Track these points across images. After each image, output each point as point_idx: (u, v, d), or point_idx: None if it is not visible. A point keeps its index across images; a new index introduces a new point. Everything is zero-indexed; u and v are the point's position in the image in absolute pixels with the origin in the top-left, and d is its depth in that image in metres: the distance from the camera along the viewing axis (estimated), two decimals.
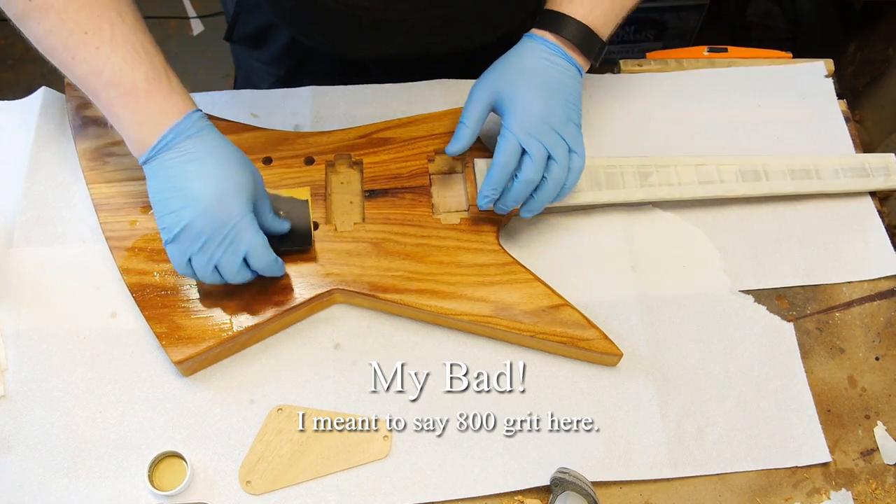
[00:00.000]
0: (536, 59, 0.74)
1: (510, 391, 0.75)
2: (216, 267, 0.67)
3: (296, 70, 0.97)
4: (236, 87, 1.09)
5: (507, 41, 0.91)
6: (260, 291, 0.74)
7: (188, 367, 0.73)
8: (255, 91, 0.91)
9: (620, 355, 0.75)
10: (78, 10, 0.64)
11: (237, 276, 0.68)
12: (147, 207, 0.77)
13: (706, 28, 1.77)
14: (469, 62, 0.91)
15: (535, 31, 0.76)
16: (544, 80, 0.74)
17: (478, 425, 0.74)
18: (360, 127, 0.83)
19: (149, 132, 0.65)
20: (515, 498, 0.72)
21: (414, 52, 0.85)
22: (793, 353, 0.79)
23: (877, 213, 0.87)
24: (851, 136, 0.92)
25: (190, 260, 0.67)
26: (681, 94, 0.92)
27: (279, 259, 0.70)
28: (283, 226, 0.72)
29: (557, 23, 0.74)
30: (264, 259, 0.68)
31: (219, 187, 0.65)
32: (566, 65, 0.75)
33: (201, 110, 0.68)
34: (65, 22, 0.64)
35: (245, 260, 0.68)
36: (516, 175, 0.73)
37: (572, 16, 0.74)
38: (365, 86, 0.91)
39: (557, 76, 0.74)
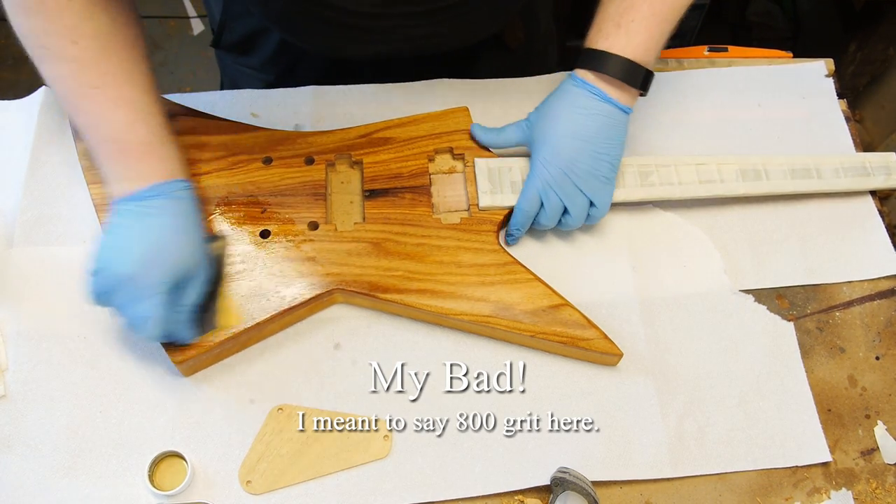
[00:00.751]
0: (572, 108, 0.76)
1: (510, 391, 0.75)
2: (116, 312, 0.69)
3: (286, 74, 0.97)
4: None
5: (499, 37, 0.92)
6: (261, 290, 0.74)
7: (188, 367, 0.73)
8: (256, 91, 0.91)
9: (621, 355, 0.75)
10: (91, 65, 0.66)
11: (127, 328, 0.69)
12: None
13: (706, 28, 1.77)
14: (463, 59, 0.91)
15: (577, 71, 0.77)
16: (575, 130, 0.76)
17: (478, 425, 0.74)
18: (360, 127, 0.83)
19: (129, 186, 0.68)
20: (516, 498, 0.72)
21: (407, 52, 0.86)
22: (793, 353, 0.79)
23: (877, 213, 0.87)
24: (852, 135, 0.92)
25: (101, 296, 0.68)
26: (681, 93, 0.92)
27: (157, 338, 0.69)
28: (182, 319, 0.70)
29: (598, 61, 0.75)
30: (142, 332, 0.68)
31: (150, 251, 0.67)
32: (606, 110, 0.76)
33: (188, 182, 0.71)
34: (76, 74, 0.67)
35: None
36: (536, 217, 0.78)
37: (611, 51, 0.74)
38: (365, 85, 0.91)
39: (592, 125, 0.75)
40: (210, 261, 0.72)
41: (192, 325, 0.70)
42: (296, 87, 0.91)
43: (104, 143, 0.69)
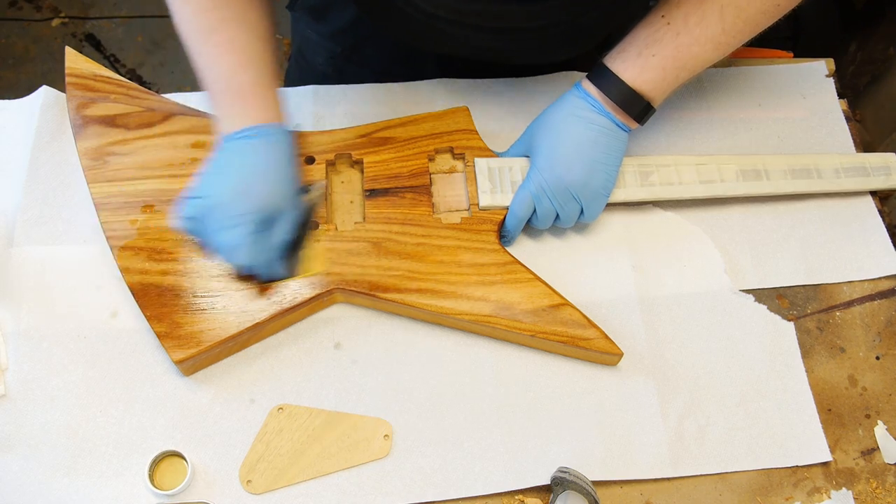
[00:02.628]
0: (572, 117, 0.76)
1: (510, 390, 0.75)
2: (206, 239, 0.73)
3: (352, 50, 0.98)
4: (290, 60, 1.09)
5: (573, 60, 0.92)
6: (260, 291, 0.74)
7: (189, 366, 0.73)
8: None
9: (621, 355, 0.75)
10: (211, 9, 0.71)
11: (217, 256, 0.73)
12: (148, 206, 0.77)
13: None
14: (535, 73, 0.91)
15: (583, 82, 0.78)
16: (574, 139, 0.76)
17: (478, 424, 0.74)
18: (360, 126, 0.83)
19: (232, 125, 0.72)
20: (516, 497, 0.72)
21: (478, 58, 0.86)
22: (793, 353, 0.79)
23: (877, 213, 0.87)
24: (852, 135, 0.92)
25: (193, 221, 0.72)
26: (681, 93, 0.92)
27: (248, 268, 0.73)
28: (273, 257, 0.73)
29: (605, 80, 0.76)
30: (231, 259, 0.72)
31: (243, 183, 0.70)
32: (605, 123, 0.76)
33: (287, 128, 0.74)
34: (197, 16, 0.72)
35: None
36: (529, 221, 0.79)
37: (620, 76, 0.75)
38: (365, 85, 0.91)
39: (590, 136, 0.76)
40: (301, 206, 0.75)
41: (279, 264, 0.73)
42: (359, 65, 0.92)
43: (214, 83, 0.72)
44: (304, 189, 0.77)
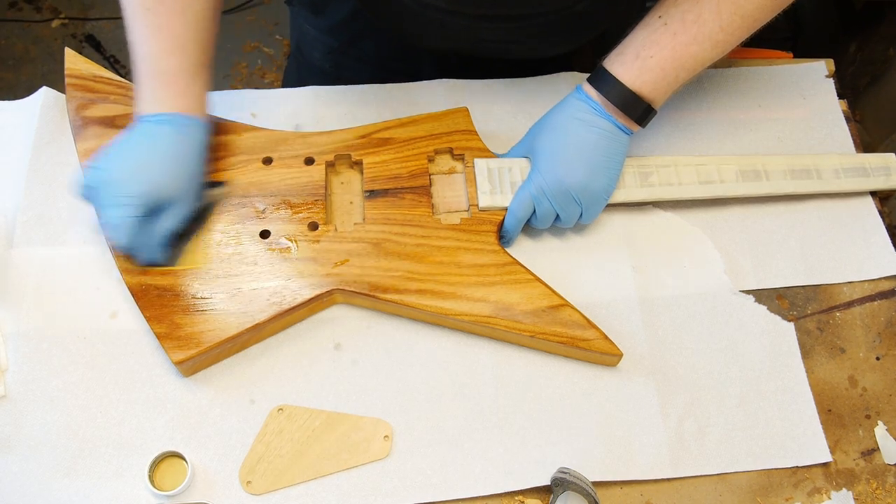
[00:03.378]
0: (574, 119, 0.76)
1: (510, 391, 0.75)
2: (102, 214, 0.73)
3: (350, 45, 0.98)
4: (290, 57, 1.09)
5: (570, 56, 0.92)
6: (261, 291, 0.74)
7: (188, 367, 0.73)
8: (256, 91, 0.91)
9: (620, 355, 0.75)
10: None
11: (101, 228, 0.74)
12: None
13: None
14: (531, 71, 0.91)
15: (583, 85, 0.78)
16: (574, 141, 0.76)
17: (478, 425, 0.74)
18: (360, 127, 0.83)
19: (148, 107, 0.73)
20: (516, 498, 0.72)
21: (475, 52, 0.86)
22: (793, 353, 0.79)
23: (877, 213, 0.87)
24: (852, 135, 0.92)
25: (87, 189, 0.73)
26: (681, 93, 0.92)
27: (126, 248, 0.73)
28: (157, 241, 0.74)
29: (604, 82, 0.76)
30: (110, 237, 0.73)
31: (139, 165, 0.72)
32: (606, 126, 0.76)
33: (202, 121, 0.75)
34: None
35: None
36: (528, 221, 0.79)
37: (619, 78, 0.75)
38: (365, 86, 0.91)
39: (591, 138, 0.76)
40: (199, 201, 0.76)
41: (158, 251, 0.74)
42: (357, 59, 0.92)
43: (141, 62, 0.73)
44: (211, 184, 0.78)
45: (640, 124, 0.77)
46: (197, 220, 0.77)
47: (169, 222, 0.73)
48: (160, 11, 0.72)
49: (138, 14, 0.73)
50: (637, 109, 0.76)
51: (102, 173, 0.72)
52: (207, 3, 0.74)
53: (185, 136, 0.73)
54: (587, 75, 0.78)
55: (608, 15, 0.85)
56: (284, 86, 1.13)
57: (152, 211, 0.72)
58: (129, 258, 0.75)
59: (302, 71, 1.04)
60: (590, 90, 0.77)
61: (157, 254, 0.74)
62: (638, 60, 0.74)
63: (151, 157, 0.72)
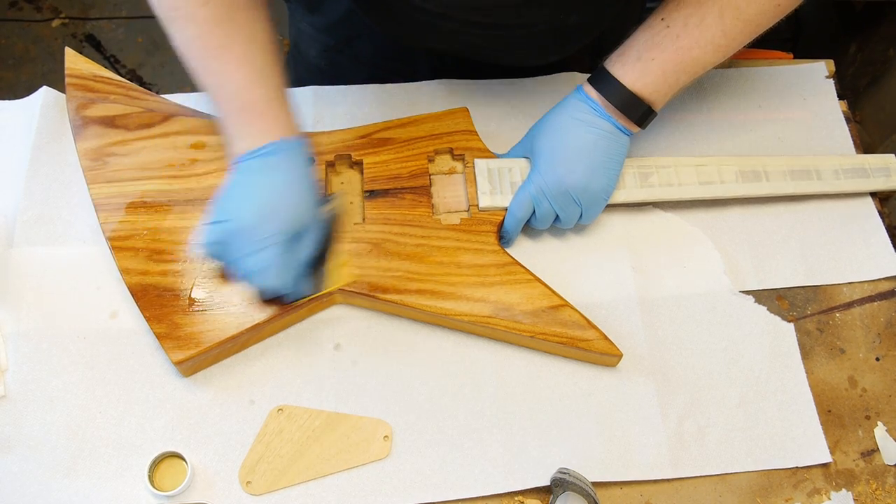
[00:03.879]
0: (574, 120, 0.76)
1: (510, 391, 0.75)
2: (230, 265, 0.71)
3: (346, 43, 0.97)
4: (288, 54, 1.09)
5: (565, 64, 0.92)
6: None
7: (188, 367, 0.73)
8: None
9: (620, 356, 0.75)
10: (217, 25, 0.69)
11: (243, 281, 0.71)
12: (147, 207, 0.77)
13: None
14: (529, 73, 0.91)
15: (584, 85, 0.78)
16: (574, 142, 0.76)
17: (478, 425, 0.74)
18: (360, 127, 0.83)
19: (249, 143, 0.70)
20: (515, 498, 0.72)
21: (469, 56, 0.86)
22: (793, 354, 0.79)
23: (877, 214, 0.87)
24: (852, 136, 0.92)
25: (216, 246, 0.70)
26: (681, 94, 0.92)
27: (270, 293, 0.72)
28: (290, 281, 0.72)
29: (605, 84, 0.76)
30: (262, 282, 0.70)
31: (269, 203, 0.69)
32: (606, 127, 0.76)
33: (304, 140, 0.73)
34: (203, 35, 0.70)
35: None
36: (528, 221, 0.79)
37: (620, 79, 0.75)
38: (365, 86, 0.91)
39: (591, 139, 0.76)
40: (323, 219, 0.74)
41: (308, 280, 0.72)
42: (352, 58, 0.91)
43: (227, 101, 0.71)
44: (324, 199, 0.76)
45: (639, 126, 0.77)
46: (328, 238, 0.75)
47: (309, 249, 0.71)
48: (235, 45, 0.70)
49: (213, 53, 0.70)
50: (637, 111, 0.76)
51: (230, 224, 0.68)
52: (268, 26, 0.73)
53: (296, 160, 0.71)
54: (587, 76, 0.78)
55: (598, 26, 0.85)
56: None
57: (291, 245, 0.69)
58: (278, 299, 0.73)
59: (299, 68, 1.04)
60: (590, 90, 0.77)
61: (304, 285, 0.72)
62: (639, 62, 0.74)
63: (275, 192, 0.69)
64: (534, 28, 0.79)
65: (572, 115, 0.77)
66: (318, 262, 0.73)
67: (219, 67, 0.70)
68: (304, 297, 0.73)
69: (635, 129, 0.77)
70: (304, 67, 1.02)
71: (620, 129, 0.76)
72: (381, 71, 0.92)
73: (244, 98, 0.70)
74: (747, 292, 0.81)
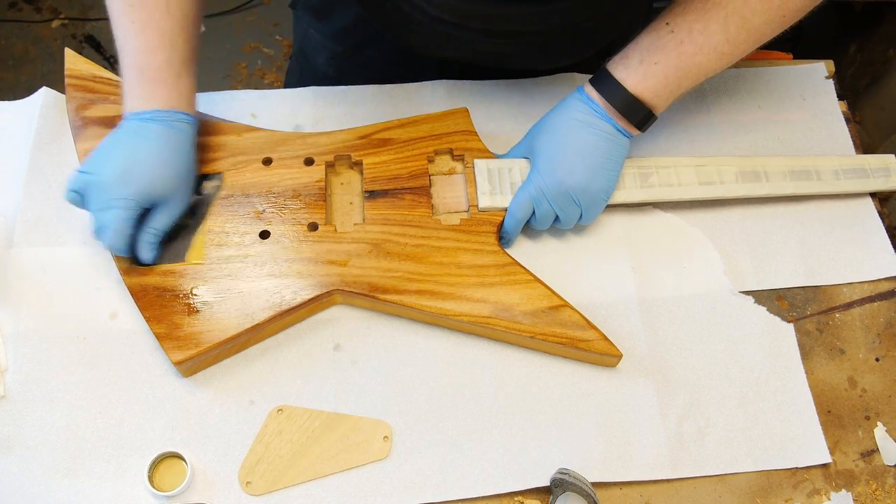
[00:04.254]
0: (574, 121, 0.76)
1: (510, 391, 0.75)
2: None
3: (354, 51, 0.98)
4: (291, 59, 1.10)
5: (572, 68, 0.92)
6: (260, 291, 0.74)
7: (188, 367, 0.73)
8: (255, 91, 0.91)
9: (620, 356, 0.75)
10: None
11: (94, 232, 0.73)
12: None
13: None
14: (530, 77, 0.91)
15: (585, 86, 0.78)
16: (574, 143, 0.76)
17: (478, 425, 0.74)
18: (360, 127, 0.83)
19: (135, 105, 0.73)
20: (515, 499, 0.72)
21: (481, 63, 0.86)
22: (793, 354, 0.79)
23: (877, 214, 0.87)
24: (852, 137, 0.92)
25: (75, 195, 0.73)
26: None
27: (120, 250, 0.73)
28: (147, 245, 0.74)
29: (606, 86, 0.76)
30: (103, 239, 0.72)
31: (129, 167, 0.71)
32: (607, 128, 0.76)
33: (191, 117, 0.75)
34: None
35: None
36: (528, 221, 0.79)
37: (622, 82, 0.75)
38: (365, 86, 0.91)
39: (591, 140, 0.76)
40: (193, 196, 0.77)
41: (153, 249, 0.74)
42: (360, 65, 0.92)
43: (126, 58, 0.73)
44: (203, 178, 0.79)
45: (639, 129, 0.77)
46: (194, 215, 0.77)
47: (161, 221, 0.73)
48: (145, 7, 0.72)
49: (123, 10, 0.72)
50: (638, 114, 0.76)
51: (90, 177, 0.71)
52: (192, 4, 0.74)
53: (174, 132, 0.73)
54: (587, 76, 0.78)
55: (611, 32, 0.85)
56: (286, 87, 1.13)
57: (142, 212, 0.72)
58: (127, 259, 0.75)
59: (305, 75, 1.04)
60: (591, 92, 0.77)
61: (150, 253, 0.74)
62: (642, 66, 0.74)
63: (139, 157, 0.71)
64: (549, 35, 0.79)
65: (573, 115, 0.77)
66: (178, 236, 0.76)
67: (126, 25, 0.73)
68: (148, 265, 0.75)
69: (635, 131, 0.77)
70: (310, 74, 1.03)
71: (620, 131, 0.76)
72: (388, 78, 0.92)
73: (144, 60, 0.72)
74: (747, 293, 0.81)
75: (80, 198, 0.73)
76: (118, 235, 0.71)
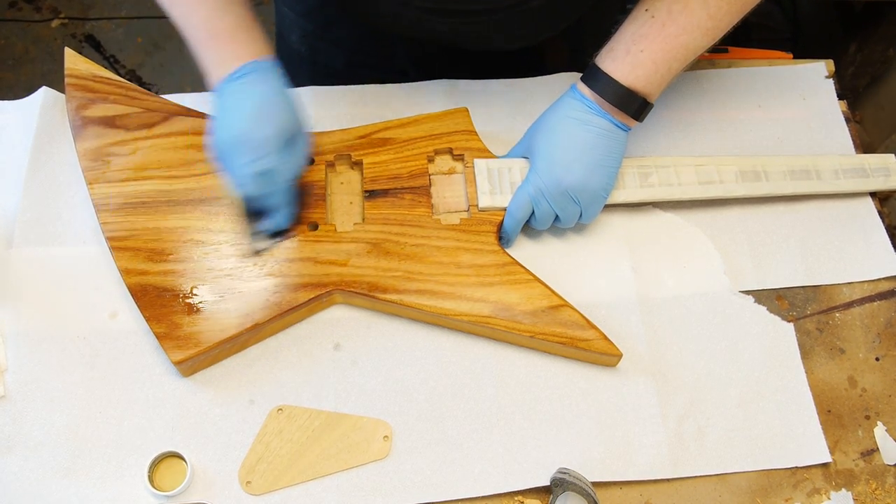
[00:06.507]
0: (570, 119, 0.76)
1: (510, 391, 0.75)
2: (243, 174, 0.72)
3: (324, 28, 0.98)
4: (276, 40, 1.10)
5: (542, 56, 0.92)
6: (260, 291, 0.74)
7: (188, 367, 0.73)
8: None
9: (620, 356, 0.75)
10: None
11: (245, 187, 0.73)
12: (148, 207, 0.78)
13: None
14: (499, 62, 0.90)
15: (577, 84, 0.78)
16: (572, 141, 0.76)
17: (478, 425, 0.74)
18: (360, 127, 0.83)
19: (223, 69, 0.72)
20: (515, 498, 0.72)
21: (435, 42, 0.86)
22: (793, 354, 0.79)
23: (877, 214, 0.87)
24: (852, 136, 0.92)
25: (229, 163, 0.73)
26: (681, 94, 0.92)
27: (282, 191, 0.73)
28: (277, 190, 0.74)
29: (597, 80, 0.76)
30: (267, 187, 0.72)
31: (258, 110, 0.71)
32: (603, 124, 0.76)
33: (275, 60, 0.74)
34: None
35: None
36: (528, 221, 0.79)
37: (612, 75, 0.74)
38: (365, 86, 0.91)
39: (588, 137, 0.76)
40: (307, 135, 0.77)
41: (292, 195, 0.75)
42: (331, 43, 0.92)
43: (196, 30, 0.73)
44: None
45: (637, 119, 0.77)
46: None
47: (305, 149, 0.74)
48: None
49: None
50: (633, 105, 0.75)
51: (228, 134, 0.71)
52: None
53: (271, 77, 0.73)
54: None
55: (569, 11, 0.85)
56: None
57: (288, 147, 0.72)
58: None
59: (282, 55, 1.05)
60: (584, 89, 0.77)
61: (292, 206, 0.75)
62: (629, 56, 0.74)
63: (262, 101, 0.71)
64: (495, 14, 0.79)
65: (568, 114, 0.77)
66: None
67: (184, 2, 0.72)
68: (285, 231, 0.76)
69: (633, 123, 0.77)
70: (286, 53, 1.03)
71: (618, 126, 0.76)
72: (358, 55, 0.92)
73: (212, 26, 0.72)
74: (747, 292, 0.81)
75: (226, 158, 0.72)
76: (283, 171, 0.71)
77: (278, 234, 0.77)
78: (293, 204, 0.76)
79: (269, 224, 0.76)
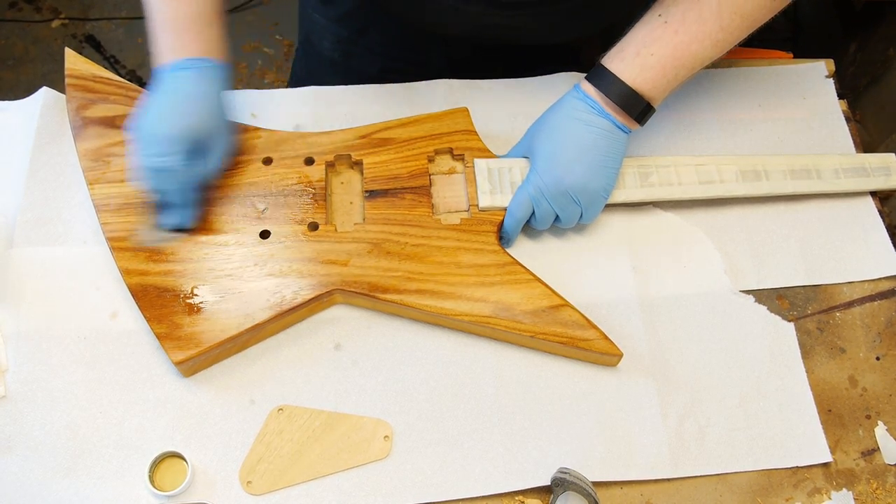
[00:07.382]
0: (572, 119, 0.76)
1: (510, 391, 0.75)
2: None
3: (359, 34, 0.98)
4: (297, 51, 1.10)
5: (576, 55, 0.91)
6: (261, 291, 0.74)
7: (188, 367, 0.73)
8: (255, 91, 0.91)
9: (620, 355, 0.75)
10: None
11: (143, 179, 0.74)
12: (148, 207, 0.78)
13: None
14: (541, 59, 0.90)
15: (582, 83, 0.78)
16: (573, 142, 0.76)
17: (478, 425, 0.74)
18: (360, 127, 0.83)
19: (167, 57, 0.74)
20: (516, 498, 0.72)
21: (485, 39, 0.86)
22: (793, 353, 0.79)
23: (877, 213, 0.87)
24: (852, 136, 0.92)
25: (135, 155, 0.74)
26: (681, 93, 0.92)
27: (175, 191, 0.74)
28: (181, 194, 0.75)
29: (603, 80, 0.76)
30: (161, 184, 0.73)
31: (172, 110, 0.72)
32: (605, 125, 0.76)
33: (222, 63, 0.75)
34: None
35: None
36: (528, 221, 0.79)
37: (619, 76, 0.75)
38: (365, 86, 0.91)
39: (590, 138, 0.76)
40: (231, 142, 0.78)
41: (195, 200, 0.75)
42: (366, 49, 0.92)
43: (154, 13, 0.74)
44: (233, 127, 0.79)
45: (639, 122, 0.77)
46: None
47: (214, 161, 0.75)
48: None
49: None
50: (637, 107, 0.76)
51: (139, 127, 0.73)
52: None
53: (210, 78, 0.74)
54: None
55: (619, 3, 0.84)
56: (292, 78, 1.14)
57: (194, 153, 0.73)
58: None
59: (311, 62, 1.04)
60: (588, 88, 0.77)
61: (193, 207, 0.75)
62: (638, 58, 0.74)
63: (180, 99, 0.72)
64: (553, 5, 0.78)
65: (570, 114, 0.77)
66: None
67: None
68: (186, 227, 0.76)
69: (634, 125, 0.77)
70: (315, 60, 1.03)
71: (619, 127, 0.76)
72: (394, 61, 0.92)
73: (171, 12, 0.73)
74: (747, 292, 0.81)
75: (137, 150, 0.73)
76: (180, 175, 0.72)
77: (179, 230, 0.77)
78: (194, 206, 0.76)
79: (165, 220, 0.76)
